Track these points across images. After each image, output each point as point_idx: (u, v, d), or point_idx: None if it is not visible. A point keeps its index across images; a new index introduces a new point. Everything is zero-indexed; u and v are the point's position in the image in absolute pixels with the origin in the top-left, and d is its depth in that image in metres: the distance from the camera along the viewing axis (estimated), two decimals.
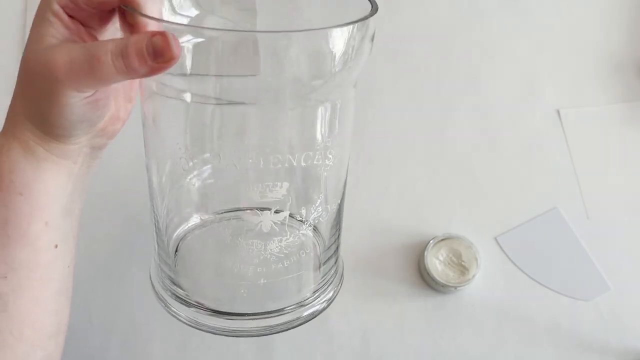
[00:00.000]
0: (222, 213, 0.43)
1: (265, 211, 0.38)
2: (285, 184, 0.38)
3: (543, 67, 0.69)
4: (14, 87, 0.32)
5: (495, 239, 0.60)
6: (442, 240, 0.57)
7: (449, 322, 0.56)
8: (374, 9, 0.37)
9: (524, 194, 0.62)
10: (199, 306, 0.42)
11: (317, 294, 0.43)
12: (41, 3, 0.30)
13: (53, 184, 0.32)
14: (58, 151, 0.32)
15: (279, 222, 0.39)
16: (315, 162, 0.38)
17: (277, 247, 0.39)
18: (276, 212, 0.39)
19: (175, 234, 0.43)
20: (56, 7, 0.29)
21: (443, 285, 0.55)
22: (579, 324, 0.56)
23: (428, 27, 0.71)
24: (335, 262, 0.44)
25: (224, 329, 0.40)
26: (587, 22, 0.72)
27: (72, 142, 0.32)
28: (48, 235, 0.32)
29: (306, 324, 0.41)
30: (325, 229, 0.43)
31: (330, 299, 0.43)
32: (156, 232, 0.43)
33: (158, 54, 0.27)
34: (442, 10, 0.72)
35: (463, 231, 0.59)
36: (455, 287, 0.55)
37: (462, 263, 0.56)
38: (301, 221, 0.41)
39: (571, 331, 0.56)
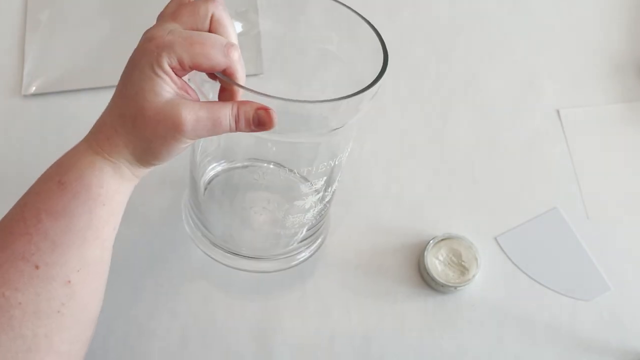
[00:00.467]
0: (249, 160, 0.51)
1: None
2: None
3: (543, 67, 0.69)
4: (111, 120, 0.37)
5: (495, 239, 0.60)
6: (442, 240, 0.57)
7: (449, 322, 0.56)
8: (383, 70, 0.41)
9: (524, 194, 0.62)
10: (218, 245, 0.51)
11: (308, 242, 0.53)
12: (146, 58, 0.35)
13: (126, 197, 0.39)
14: (140, 172, 0.39)
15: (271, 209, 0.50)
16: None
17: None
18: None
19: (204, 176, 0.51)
20: (167, 67, 0.34)
21: (443, 285, 0.55)
22: (579, 324, 0.56)
23: (428, 27, 0.71)
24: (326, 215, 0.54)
25: (230, 265, 0.52)
26: (587, 22, 0.72)
27: (154, 166, 0.39)
28: (112, 237, 0.39)
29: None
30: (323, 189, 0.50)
31: (320, 243, 0.55)
32: (190, 170, 0.50)
33: (261, 124, 0.36)
34: (442, 10, 0.72)
35: (463, 231, 0.59)
36: (455, 287, 0.55)
37: (462, 263, 0.56)
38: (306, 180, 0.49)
39: (571, 331, 0.56)
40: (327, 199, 0.51)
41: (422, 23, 0.71)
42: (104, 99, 0.65)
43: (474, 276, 0.56)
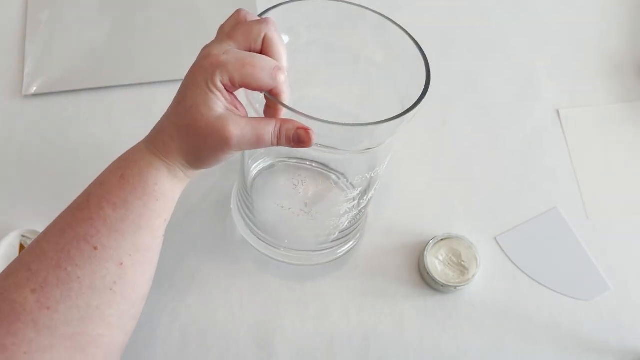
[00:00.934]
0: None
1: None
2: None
3: (543, 67, 0.69)
4: (168, 127, 0.41)
5: (495, 239, 0.60)
6: (442, 240, 0.57)
7: (449, 322, 0.56)
8: (424, 93, 0.43)
9: (523, 194, 0.62)
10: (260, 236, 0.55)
11: (350, 233, 0.55)
12: (202, 74, 0.38)
13: (178, 194, 0.43)
14: (191, 174, 0.43)
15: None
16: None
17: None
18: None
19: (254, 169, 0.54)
20: (219, 84, 0.38)
21: (443, 285, 0.55)
22: (579, 324, 0.56)
23: (428, 27, 0.71)
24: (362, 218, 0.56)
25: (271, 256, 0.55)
26: (587, 22, 0.72)
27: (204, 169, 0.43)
28: (163, 229, 0.43)
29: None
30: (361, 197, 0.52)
31: (353, 244, 0.57)
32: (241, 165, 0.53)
33: (299, 142, 0.40)
34: (442, 9, 0.72)
35: (463, 231, 0.59)
36: (455, 287, 0.55)
37: (462, 263, 0.56)
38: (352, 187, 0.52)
39: (571, 331, 0.56)
40: (362, 205, 0.53)
41: (422, 23, 0.71)
42: (104, 99, 0.66)
43: (473, 276, 0.56)
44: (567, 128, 0.66)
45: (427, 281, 0.57)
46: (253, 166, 0.54)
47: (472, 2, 0.72)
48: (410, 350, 0.55)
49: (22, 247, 0.57)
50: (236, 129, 0.39)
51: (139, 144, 0.43)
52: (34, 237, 0.58)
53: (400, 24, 0.46)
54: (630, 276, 0.59)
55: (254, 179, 0.54)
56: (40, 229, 0.58)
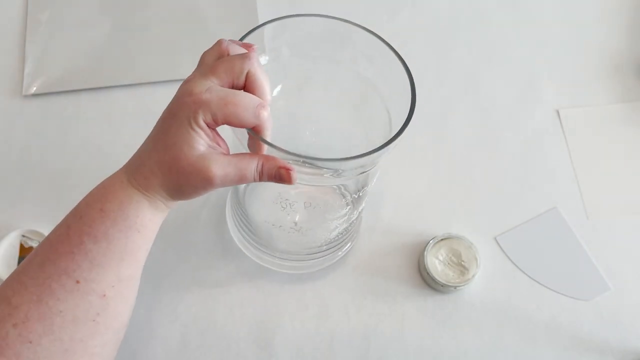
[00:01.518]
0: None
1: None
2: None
3: (543, 67, 0.69)
4: (149, 162, 0.41)
5: (495, 238, 0.60)
6: (442, 240, 0.57)
7: (449, 322, 0.56)
8: (407, 120, 0.43)
9: (523, 194, 0.62)
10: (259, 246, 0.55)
11: (342, 242, 0.56)
12: (184, 112, 0.38)
13: (158, 225, 0.44)
14: (172, 205, 0.43)
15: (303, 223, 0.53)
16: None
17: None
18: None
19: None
20: (202, 123, 0.38)
21: (443, 285, 0.55)
22: (579, 324, 0.56)
23: (428, 28, 0.71)
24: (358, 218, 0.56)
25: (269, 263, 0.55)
26: (587, 22, 0.72)
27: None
28: (144, 258, 0.43)
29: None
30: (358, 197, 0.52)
31: (354, 240, 0.57)
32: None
33: (281, 180, 0.40)
34: (442, 10, 0.72)
35: (463, 231, 0.59)
36: (455, 287, 0.55)
37: (462, 263, 0.56)
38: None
39: (571, 331, 0.56)
40: (353, 219, 0.53)
41: (422, 23, 0.71)
42: (104, 99, 0.66)
43: (473, 276, 0.56)
44: (567, 128, 0.66)
45: (427, 281, 0.57)
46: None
47: (473, 4, 0.72)
48: (410, 350, 0.55)
49: (22, 247, 0.57)
50: (219, 169, 0.39)
51: (117, 173, 0.43)
52: (34, 237, 0.58)
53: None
54: (630, 276, 0.59)
55: (245, 193, 0.54)
56: (40, 229, 0.58)
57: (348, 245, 0.57)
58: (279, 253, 0.55)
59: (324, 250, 0.55)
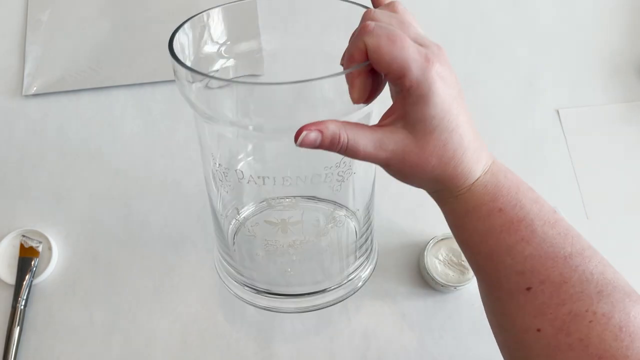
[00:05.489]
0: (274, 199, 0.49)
1: (283, 216, 0.45)
2: (299, 198, 0.46)
3: (543, 67, 0.69)
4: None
5: None
6: (442, 240, 0.57)
7: (449, 322, 0.56)
8: None
9: None
10: (254, 287, 0.49)
11: (354, 274, 0.50)
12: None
13: None
14: None
15: (296, 226, 0.46)
16: (323, 181, 0.43)
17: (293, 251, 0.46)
18: (290, 218, 0.46)
19: (230, 227, 0.50)
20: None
21: (443, 285, 0.55)
22: None
23: (428, 27, 0.70)
24: (370, 247, 0.51)
25: (275, 307, 0.48)
26: (587, 22, 0.72)
27: None
28: None
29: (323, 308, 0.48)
30: (360, 217, 0.49)
31: (366, 277, 0.51)
32: (215, 226, 0.49)
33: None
34: (442, 10, 0.72)
35: None
36: (455, 287, 0.55)
37: (462, 263, 0.56)
38: (318, 227, 0.47)
39: None
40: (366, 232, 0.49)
41: (422, 23, 0.71)
42: (104, 99, 0.66)
43: (473, 276, 0.56)
44: (567, 128, 0.66)
45: (427, 281, 0.57)
46: (231, 225, 0.50)
47: (473, 4, 0.72)
48: (410, 350, 0.55)
49: (22, 247, 0.57)
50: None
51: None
52: (34, 237, 0.58)
53: None
54: (630, 276, 0.59)
55: (234, 241, 0.50)
56: (40, 229, 0.58)
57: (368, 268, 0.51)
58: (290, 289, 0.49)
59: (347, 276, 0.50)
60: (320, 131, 0.35)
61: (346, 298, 0.50)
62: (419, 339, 0.55)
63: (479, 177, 0.38)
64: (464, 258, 0.56)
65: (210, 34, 0.45)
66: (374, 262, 0.53)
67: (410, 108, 0.35)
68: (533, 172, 0.63)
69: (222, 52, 0.47)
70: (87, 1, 0.70)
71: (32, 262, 0.57)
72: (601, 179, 0.63)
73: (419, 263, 0.58)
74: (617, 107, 0.67)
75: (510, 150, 0.64)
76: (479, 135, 0.39)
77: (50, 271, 0.57)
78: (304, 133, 0.35)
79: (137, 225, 0.59)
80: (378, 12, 0.37)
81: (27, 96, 0.65)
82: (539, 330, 0.35)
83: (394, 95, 0.38)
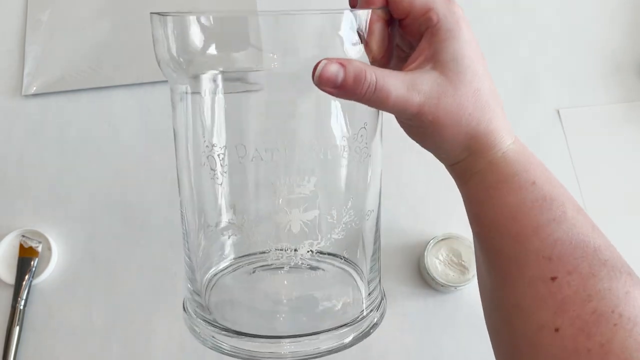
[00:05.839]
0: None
1: (293, 209, 0.37)
2: (313, 179, 0.36)
3: (543, 67, 0.69)
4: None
5: None
6: (442, 240, 0.57)
7: (449, 322, 0.56)
8: None
9: None
10: (237, 332, 0.39)
11: (358, 315, 0.39)
12: None
13: None
14: None
15: (308, 222, 0.37)
16: (342, 157, 0.37)
17: (307, 251, 0.37)
18: (305, 210, 0.37)
19: (206, 273, 0.42)
20: None
21: (443, 285, 0.55)
22: None
23: None
24: (377, 280, 0.41)
25: (262, 354, 0.37)
26: (587, 22, 0.72)
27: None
28: None
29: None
30: (361, 238, 0.41)
31: (372, 323, 0.40)
32: (188, 270, 0.42)
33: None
34: None
35: (463, 231, 0.59)
36: (455, 287, 0.55)
37: (462, 263, 0.56)
38: (332, 223, 0.38)
39: None
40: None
41: None
42: (104, 99, 0.66)
43: (474, 276, 0.55)
44: (567, 128, 0.65)
45: (427, 281, 0.57)
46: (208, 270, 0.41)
47: (473, 4, 0.72)
48: (410, 350, 0.55)
49: (21, 247, 0.57)
50: None
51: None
52: (33, 237, 0.58)
53: None
54: None
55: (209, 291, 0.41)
56: (40, 229, 0.58)
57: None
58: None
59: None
60: (343, 65, 0.30)
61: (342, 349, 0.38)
62: (419, 339, 0.55)
63: (511, 142, 0.35)
64: (464, 258, 0.56)
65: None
66: (380, 305, 0.42)
67: (440, 46, 0.33)
68: None
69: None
70: (87, 1, 0.70)
71: (32, 262, 0.57)
72: (601, 179, 0.63)
73: (419, 263, 0.58)
74: (618, 107, 0.67)
75: None
76: None
77: (49, 271, 0.57)
78: (323, 62, 0.30)
79: (136, 225, 0.59)
80: None
81: (26, 96, 0.65)
82: (557, 330, 0.31)
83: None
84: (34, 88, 0.65)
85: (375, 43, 0.33)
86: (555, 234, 0.33)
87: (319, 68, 0.30)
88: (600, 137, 0.65)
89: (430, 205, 0.61)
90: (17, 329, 0.55)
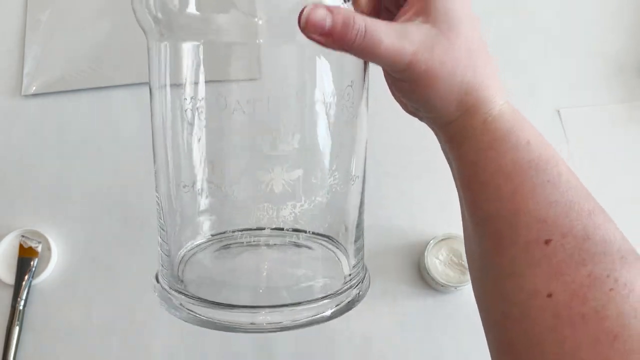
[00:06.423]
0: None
1: (276, 167, 0.34)
2: (297, 135, 0.34)
3: (543, 67, 0.69)
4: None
5: None
6: (442, 240, 0.57)
7: (449, 322, 0.56)
8: None
9: None
10: (213, 303, 0.36)
11: (340, 288, 0.38)
12: None
13: None
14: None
15: (292, 182, 0.35)
16: (328, 114, 0.35)
17: (290, 213, 0.35)
18: (288, 169, 0.35)
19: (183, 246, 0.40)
20: None
21: (443, 285, 0.55)
22: None
23: None
24: (360, 254, 0.40)
25: (234, 322, 0.35)
26: (588, 22, 0.72)
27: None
28: None
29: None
30: (346, 204, 0.39)
31: (356, 295, 0.38)
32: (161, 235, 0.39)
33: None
34: None
35: None
36: (456, 287, 0.55)
37: (462, 263, 0.56)
38: (316, 184, 0.36)
39: None
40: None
41: None
42: (104, 99, 0.66)
43: None
44: (567, 128, 0.65)
45: (427, 281, 0.57)
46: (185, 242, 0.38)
47: (473, 5, 0.72)
48: (410, 350, 0.55)
49: (21, 247, 0.57)
50: None
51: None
52: (33, 237, 0.58)
53: None
54: None
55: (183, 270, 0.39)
56: (41, 229, 0.58)
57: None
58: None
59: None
60: (330, 10, 0.28)
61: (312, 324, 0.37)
62: (419, 339, 0.55)
63: (505, 102, 0.34)
64: (464, 258, 0.56)
65: None
66: (363, 279, 0.41)
67: None
68: None
69: None
70: (87, 1, 0.70)
71: (32, 263, 0.57)
72: (602, 180, 0.63)
73: (419, 263, 0.57)
74: (618, 107, 0.67)
75: None
76: None
77: (49, 271, 0.57)
78: (309, 7, 0.28)
79: (136, 225, 0.59)
80: None
81: (26, 96, 0.65)
82: (549, 295, 0.29)
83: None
84: (34, 88, 0.65)
85: (363, 0, 0.32)
86: (551, 197, 0.32)
87: (305, 13, 0.28)
88: (600, 137, 0.65)
89: (430, 205, 0.61)
90: (16, 329, 0.55)
